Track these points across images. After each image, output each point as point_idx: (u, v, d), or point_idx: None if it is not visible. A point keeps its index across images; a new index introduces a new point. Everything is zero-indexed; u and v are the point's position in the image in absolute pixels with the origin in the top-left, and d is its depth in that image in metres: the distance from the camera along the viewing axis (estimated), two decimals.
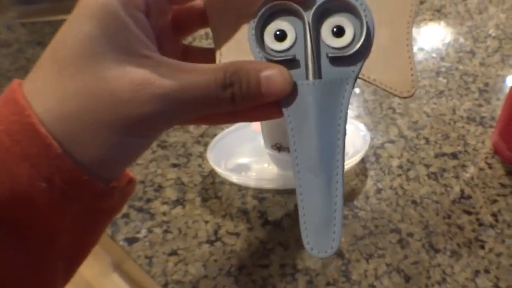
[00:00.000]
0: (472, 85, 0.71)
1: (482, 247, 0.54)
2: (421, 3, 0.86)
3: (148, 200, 0.58)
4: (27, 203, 0.26)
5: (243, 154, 0.60)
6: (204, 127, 0.66)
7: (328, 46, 0.30)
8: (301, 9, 0.30)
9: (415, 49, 0.77)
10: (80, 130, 0.26)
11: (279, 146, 0.54)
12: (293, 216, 0.56)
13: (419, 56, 0.76)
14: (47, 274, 0.29)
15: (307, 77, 0.30)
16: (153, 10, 0.29)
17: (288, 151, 0.53)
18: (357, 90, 0.71)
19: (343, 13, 0.30)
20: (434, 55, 0.76)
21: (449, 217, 0.56)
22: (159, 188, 0.59)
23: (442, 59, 0.75)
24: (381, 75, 0.30)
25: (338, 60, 0.30)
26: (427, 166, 0.61)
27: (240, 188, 0.59)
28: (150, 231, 0.56)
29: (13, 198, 0.25)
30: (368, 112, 0.67)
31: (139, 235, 0.55)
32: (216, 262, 0.53)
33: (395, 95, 0.31)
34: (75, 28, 0.26)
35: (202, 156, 0.62)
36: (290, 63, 0.30)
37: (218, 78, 0.28)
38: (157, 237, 0.55)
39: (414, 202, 0.57)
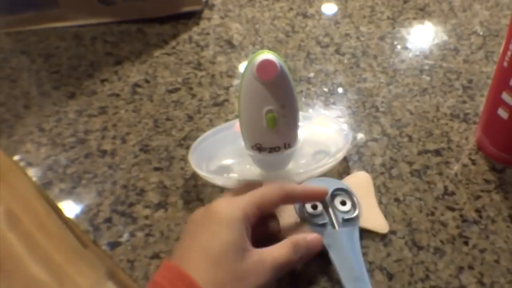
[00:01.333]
0: (455, 82, 0.71)
1: (466, 243, 0.54)
2: (405, 2, 0.86)
3: (131, 204, 0.58)
4: None
5: (225, 156, 0.60)
6: (186, 129, 0.66)
7: (339, 210, 0.54)
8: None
9: (398, 47, 0.77)
10: None
11: (259, 147, 0.54)
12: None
13: (403, 55, 0.76)
14: None
15: (334, 228, 0.52)
16: (253, 222, 0.47)
17: (268, 151, 0.53)
18: (339, 90, 0.70)
19: (345, 194, 0.56)
20: (417, 53, 0.76)
21: (432, 214, 0.56)
22: (141, 192, 0.59)
23: (426, 57, 0.75)
24: (369, 223, 0.55)
25: (347, 220, 0.53)
26: (410, 163, 0.61)
27: (223, 190, 0.59)
28: (132, 235, 0.55)
29: None
30: (351, 111, 0.67)
31: (122, 239, 0.55)
32: None
33: (378, 232, 0.54)
34: (220, 235, 0.43)
35: (184, 159, 0.62)
36: (322, 225, 0.52)
37: (291, 249, 0.47)
38: (139, 240, 0.55)
39: (397, 199, 0.57)
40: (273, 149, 0.54)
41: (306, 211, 0.53)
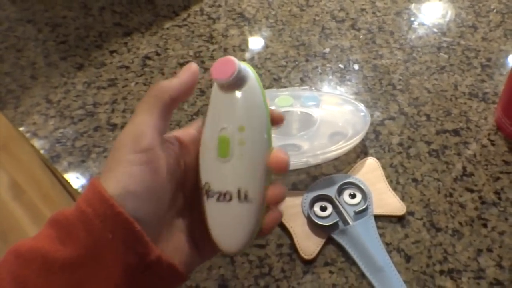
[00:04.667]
0: (474, 60, 0.69)
1: (485, 225, 0.52)
2: None
3: None
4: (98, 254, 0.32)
5: None
6: (198, 104, 0.64)
7: (349, 204, 0.53)
8: (331, 196, 0.54)
9: (415, 23, 0.75)
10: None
11: (207, 189, 0.38)
12: None
13: (420, 32, 0.74)
14: None
15: (346, 224, 0.52)
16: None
17: (217, 198, 0.36)
18: (355, 67, 0.69)
19: (353, 186, 0.55)
20: (435, 30, 0.74)
21: (450, 195, 0.55)
22: None
23: (443, 34, 0.73)
24: (384, 209, 0.54)
25: (359, 212, 0.53)
26: (428, 143, 0.59)
27: None
28: None
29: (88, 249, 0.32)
30: (368, 88, 0.66)
31: None
32: None
33: (395, 216, 0.53)
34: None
35: None
36: (333, 224, 0.51)
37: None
38: None
39: (414, 180, 0.56)
40: (222, 196, 0.36)
41: (314, 214, 0.52)
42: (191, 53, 0.71)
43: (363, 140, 0.59)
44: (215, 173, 0.37)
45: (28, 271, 0.32)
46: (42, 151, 0.60)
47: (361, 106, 0.60)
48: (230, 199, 0.36)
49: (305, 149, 0.57)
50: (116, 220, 0.32)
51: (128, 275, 0.33)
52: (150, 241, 0.33)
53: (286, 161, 0.36)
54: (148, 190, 0.34)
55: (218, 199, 0.36)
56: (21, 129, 0.63)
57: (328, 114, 0.60)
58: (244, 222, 0.36)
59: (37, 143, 0.61)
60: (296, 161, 0.56)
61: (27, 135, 0.62)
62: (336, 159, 0.58)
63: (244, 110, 0.36)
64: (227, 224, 0.37)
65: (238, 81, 0.36)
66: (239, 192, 0.36)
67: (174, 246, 0.36)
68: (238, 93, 0.36)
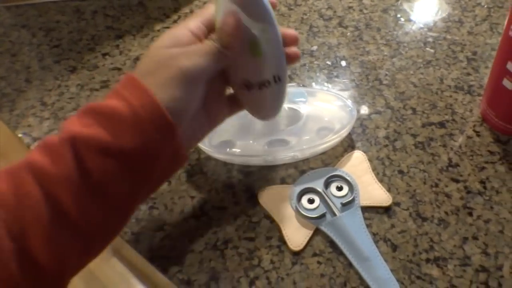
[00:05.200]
0: (460, 54, 0.70)
1: (470, 214, 0.54)
2: None
3: None
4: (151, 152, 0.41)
5: (228, 131, 0.59)
6: None
7: (336, 196, 0.54)
8: (319, 189, 0.55)
9: (402, 20, 0.76)
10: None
11: (247, 84, 0.49)
12: None
13: (406, 28, 0.75)
14: (137, 202, 0.44)
15: (334, 215, 0.53)
16: None
17: (258, 88, 0.49)
18: (343, 63, 0.70)
19: (340, 179, 0.56)
20: (421, 25, 0.75)
21: (436, 185, 0.56)
22: None
23: (430, 29, 0.74)
24: (370, 200, 0.54)
25: (346, 203, 0.54)
26: (414, 136, 0.61)
27: (226, 163, 0.58)
28: None
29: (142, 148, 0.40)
30: (355, 84, 0.67)
31: None
32: (202, 237, 0.53)
33: (381, 207, 0.54)
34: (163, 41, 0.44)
35: None
36: (321, 216, 0.53)
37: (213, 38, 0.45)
38: (143, 214, 0.55)
39: (401, 171, 0.57)
40: (262, 85, 0.48)
41: (302, 206, 0.54)
42: None
43: (350, 134, 0.60)
44: (251, 68, 0.48)
45: (87, 152, 0.39)
46: None
47: (348, 102, 0.61)
48: (268, 85, 0.48)
49: (293, 144, 0.58)
50: (166, 127, 0.41)
51: (163, 168, 0.44)
52: (183, 145, 0.44)
53: (295, 35, 0.49)
54: (187, 100, 0.43)
55: (259, 88, 0.48)
56: (17, 132, 0.64)
57: (316, 109, 0.61)
58: (281, 97, 0.51)
59: (32, 145, 0.63)
60: (284, 156, 0.57)
61: (23, 137, 0.64)
62: (324, 153, 0.59)
63: (262, 13, 0.45)
64: (269, 103, 0.51)
65: None
66: (274, 77, 0.48)
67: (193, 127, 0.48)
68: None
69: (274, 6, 0.47)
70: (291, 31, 0.49)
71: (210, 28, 0.46)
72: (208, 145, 0.57)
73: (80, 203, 0.38)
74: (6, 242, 0.35)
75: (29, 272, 0.36)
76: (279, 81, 0.49)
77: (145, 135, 0.40)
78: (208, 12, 0.47)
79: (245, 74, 0.48)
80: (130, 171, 0.40)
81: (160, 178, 0.45)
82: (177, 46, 0.43)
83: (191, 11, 0.80)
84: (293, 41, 0.49)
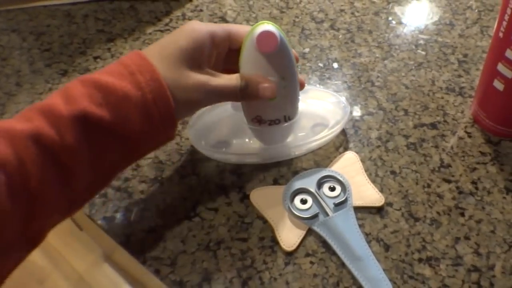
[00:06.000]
0: (451, 57, 0.71)
1: (462, 214, 0.54)
2: None
3: (126, 179, 0.58)
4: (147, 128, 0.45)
5: (223, 131, 0.59)
6: None
7: (328, 196, 0.54)
8: (311, 189, 0.55)
9: (393, 22, 0.77)
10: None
11: (259, 119, 0.53)
12: None
13: (398, 30, 0.75)
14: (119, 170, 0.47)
15: (326, 215, 0.53)
16: (219, 46, 0.50)
17: (268, 124, 0.53)
18: (335, 65, 0.70)
19: (332, 180, 0.56)
20: (412, 28, 0.75)
21: (428, 186, 0.56)
22: (137, 167, 0.59)
23: (421, 32, 0.75)
24: (363, 200, 0.55)
25: (339, 203, 0.54)
26: (406, 137, 0.61)
27: (218, 164, 0.58)
28: (128, 209, 0.55)
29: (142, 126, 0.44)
30: (347, 86, 0.67)
31: (117, 214, 0.55)
32: (195, 238, 0.52)
33: (374, 207, 0.54)
34: (178, 40, 0.46)
35: (180, 134, 0.62)
36: (314, 216, 0.53)
37: (240, 83, 0.49)
38: (135, 215, 0.54)
39: (393, 172, 0.57)
40: (273, 122, 0.54)
41: (295, 207, 0.54)
42: None
43: (343, 135, 0.60)
44: (265, 109, 0.53)
45: (94, 133, 0.42)
46: None
47: (342, 98, 0.62)
48: (279, 123, 0.54)
49: (288, 141, 0.58)
50: (170, 122, 0.46)
51: (155, 146, 0.49)
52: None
53: (303, 82, 0.55)
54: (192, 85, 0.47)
55: (269, 124, 0.54)
56: None
57: (309, 106, 0.61)
58: (289, 132, 0.57)
59: None
60: (280, 153, 0.58)
61: None
62: (316, 154, 0.59)
63: (283, 64, 0.50)
64: (277, 137, 0.57)
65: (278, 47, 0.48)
66: (285, 117, 0.54)
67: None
68: (277, 52, 0.48)
69: (297, 60, 0.52)
70: (302, 80, 0.54)
71: (227, 34, 0.50)
72: (204, 146, 0.57)
73: (78, 164, 0.42)
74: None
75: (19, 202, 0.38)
76: (289, 120, 0.54)
77: (150, 126, 0.44)
78: (243, 30, 0.50)
79: (258, 112, 0.53)
80: (126, 148, 0.45)
81: (149, 151, 0.49)
82: (195, 67, 0.47)
83: (183, 15, 0.80)
84: (301, 87, 0.55)
